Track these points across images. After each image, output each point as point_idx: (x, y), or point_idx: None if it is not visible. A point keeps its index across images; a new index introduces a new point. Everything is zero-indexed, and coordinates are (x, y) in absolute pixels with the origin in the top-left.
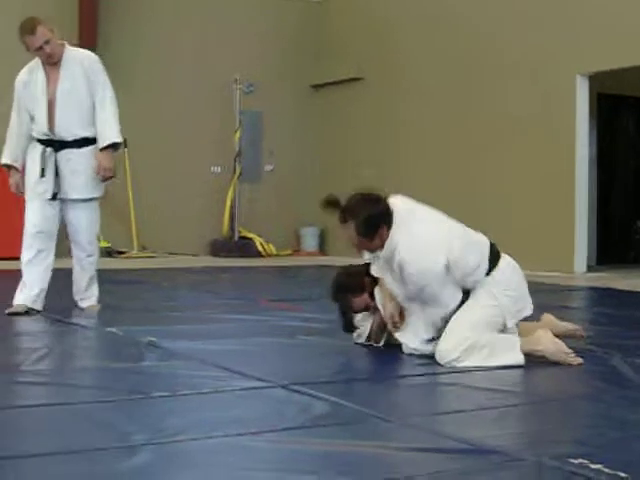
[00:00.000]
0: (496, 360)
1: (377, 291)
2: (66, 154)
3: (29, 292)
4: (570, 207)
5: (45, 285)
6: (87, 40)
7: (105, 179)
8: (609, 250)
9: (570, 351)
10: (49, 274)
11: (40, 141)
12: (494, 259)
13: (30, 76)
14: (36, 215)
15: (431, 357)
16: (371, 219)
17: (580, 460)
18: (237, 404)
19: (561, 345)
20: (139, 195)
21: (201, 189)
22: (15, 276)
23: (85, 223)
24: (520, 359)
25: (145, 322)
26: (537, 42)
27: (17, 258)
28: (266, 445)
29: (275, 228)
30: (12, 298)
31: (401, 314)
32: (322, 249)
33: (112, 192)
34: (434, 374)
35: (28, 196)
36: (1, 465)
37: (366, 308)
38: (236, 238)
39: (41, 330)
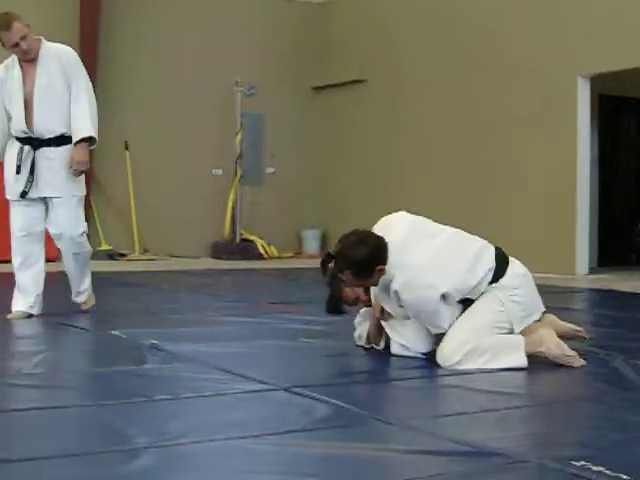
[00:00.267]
0: (498, 363)
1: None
2: (44, 152)
3: (25, 299)
4: (571, 209)
5: (40, 289)
6: (88, 41)
7: (79, 173)
8: (611, 252)
9: (573, 353)
10: (42, 277)
11: (18, 139)
12: (501, 266)
13: (6, 73)
14: (20, 218)
15: (432, 360)
16: (364, 263)
17: (582, 462)
18: (239, 407)
19: (564, 347)
20: (140, 197)
21: (202, 191)
22: (8, 279)
23: (66, 221)
24: (523, 361)
25: (147, 325)
26: (538, 44)
27: (7, 261)
28: (268, 448)
29: (277, 230)
30: (10, 300)
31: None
32: (324, 251)
33: (113, 194)
34: (435, 376)
35: (10, 197)
36: (3, 468)
37: (356, 300)
38: (237, 240)
39: (42, 333)
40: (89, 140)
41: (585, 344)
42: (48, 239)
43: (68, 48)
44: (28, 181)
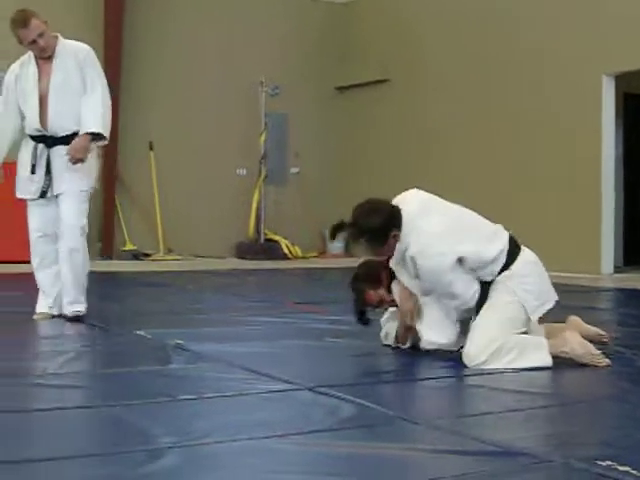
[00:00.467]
0: (524, 362)
1: (394, 284)
2: (59, 150)
3: (46, 300)
4: (596, 207)
5: (58, 289)
6: (113, 44)
7: (75, 161)
8: (636, 251)
9: (598, 352)
10: (60, 277)
11: (32, 137)
12: (513, 253)
13: (22, 70)
14: (36, 219)
15: (457, 359)
16: (379, 230)
17: (608, 462)
18: (263, 407)
19: (589, 346)
20: (165, 197)
21: (227, 191)
22: (17, 279)
23: (67, 213)
24: (548, 361)
25: (172, 325)
26: (563, 43)
27: (16, 262)
28: (292, 448)
29: (301, 230)
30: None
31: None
32: (348, 251)
33: (138, 194)
34: (461, 376)
35: (22, 196)
36: (28, 468)
37: (381, 302)
38: (262, 240)
39: (66, 333)
40: (97, 137)
41: (611, 344)
42: None
43: (85, 45)
44: (46, 180)
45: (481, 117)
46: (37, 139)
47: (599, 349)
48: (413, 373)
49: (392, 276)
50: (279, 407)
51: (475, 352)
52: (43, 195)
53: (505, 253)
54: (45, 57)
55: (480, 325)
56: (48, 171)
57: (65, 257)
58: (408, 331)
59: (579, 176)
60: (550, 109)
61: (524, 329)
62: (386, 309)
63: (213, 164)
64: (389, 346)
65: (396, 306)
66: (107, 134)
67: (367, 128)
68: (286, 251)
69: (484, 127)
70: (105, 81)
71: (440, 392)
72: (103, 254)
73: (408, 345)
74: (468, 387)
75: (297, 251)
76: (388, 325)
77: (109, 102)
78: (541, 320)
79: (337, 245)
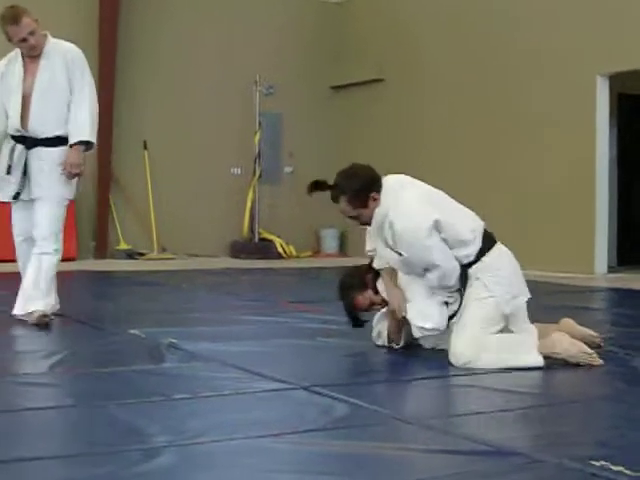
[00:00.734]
0: (515, 362)
1: (379, 283)
2: (37, 152)
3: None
4: (590, 207)
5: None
6: (108, 42)
7: (72, 176)
8: (630, 251)
9: (591, 351)
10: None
11: (12, 137)
12: (488, 241)
13: (8, 67)
14: (17, 223)
15: (449, 360)
16: (360, 189)
17: (602, 462)
18: (258, 406)
19: (581, 346)
20: (159, 197)
21: (221, 191)
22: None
23: (43, 219)
24: (540, 361)
25: (166, 324)
26: (558, 43)
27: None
28: (287, 447)
29: (295, 230)
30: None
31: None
32: (342, 250)
33: (132, 193)
34: (453, 376)
35: (6, 199)
36: (20, 467)
37: (371, 304)
38: (256, 239)
39: (60, 332)
40: (86, 145)
41: (604, 344)
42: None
43: (74, 46)
44: (21, 182)
45: (475, 117)
46: (17, 139)
47: (592, 349)
48: (406, 373)
49: (376, 276)
50: (273, 406)
51: (460, 351)
52: (16, 197)
53: (480, 237)
54: (33, 55)
55: (461, 324)
56: (25, 173)
57: (34, 260)
58: (399, 328)
59: (573, 176)
60: (544, 109)
61: (503, 324)
62: (378, 311)
63: (207, 163)
64: (381, 346)
65: (387, 304)
66: (95, 139)
67: (362, 127)
68: (280, 250)
69: (478, 127)
70: (93, 84)
71: (433, 392)
72: (97, 253)
73: (401, 345)
74: (460, 387)
75: (291, 250)
76: (380, 325)
77: (97, 106)
78: (534, 320)
79: (331, 245)
